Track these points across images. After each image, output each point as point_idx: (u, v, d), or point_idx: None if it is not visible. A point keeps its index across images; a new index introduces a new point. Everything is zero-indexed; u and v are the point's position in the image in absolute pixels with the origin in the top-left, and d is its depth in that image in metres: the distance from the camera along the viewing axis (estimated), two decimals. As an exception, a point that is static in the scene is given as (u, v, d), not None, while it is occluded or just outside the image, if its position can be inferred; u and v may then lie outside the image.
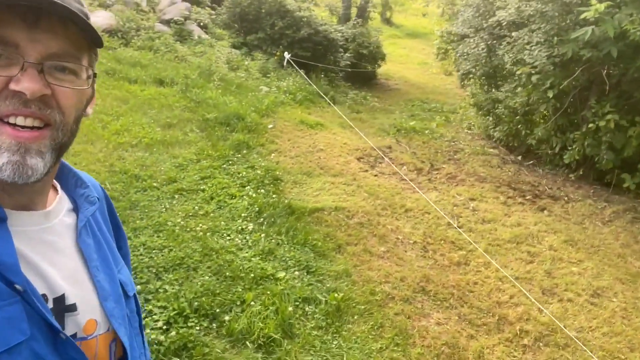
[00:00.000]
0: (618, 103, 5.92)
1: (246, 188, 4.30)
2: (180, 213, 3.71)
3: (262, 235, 3.67)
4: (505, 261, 4.27)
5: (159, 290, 2.84)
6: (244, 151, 5.00)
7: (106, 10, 8.20)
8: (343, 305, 3.18)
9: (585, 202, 5.78)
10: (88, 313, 0.72)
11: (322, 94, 6.99)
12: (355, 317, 3.14)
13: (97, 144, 4.18)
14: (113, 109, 5.19)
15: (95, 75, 0.72)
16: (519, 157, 7.09)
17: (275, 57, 8.78)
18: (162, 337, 2.47)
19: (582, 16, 5.25)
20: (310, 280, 3.34)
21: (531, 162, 6.93)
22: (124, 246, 0.95)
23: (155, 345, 2.42)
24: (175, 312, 2.67)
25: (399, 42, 18.74)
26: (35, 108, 0.62)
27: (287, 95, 7.43)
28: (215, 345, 2.58)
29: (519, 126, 7.11)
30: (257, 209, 3.99)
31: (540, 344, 3.28)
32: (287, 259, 3.49)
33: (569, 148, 6.31)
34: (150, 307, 2.69)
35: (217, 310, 2.83)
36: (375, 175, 5.48)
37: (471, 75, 8.69)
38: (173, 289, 2.87)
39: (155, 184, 4.00)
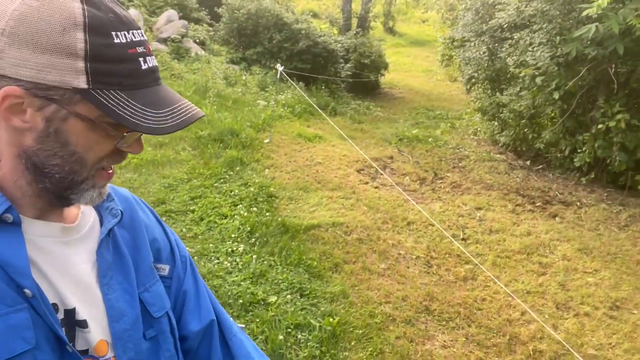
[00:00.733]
0: (628, 102, 5.66)
1: (238, 207, 4.11)
2: (167, 236, 3.53)
3: (253, 256, 3.47)
4: (515, 274, 4.01)
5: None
6: (238, 168, 4.83)
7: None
8: (339, 330, 2.95)
9: (599, 206, 5.50)
10: (99, 333, 0.71)
11: (315, 107, 6.82)
12: (353, 343, 2.92)
13: (84, 167, 4.04)
14: (103, 130, 5.07)
15: None
16: (528, 162, 6.82)
17: (274, 71, 8.66)
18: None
19: (585, 13, 5.03)
20: (303, 304, 3.13)
21: (540, 166, 6.67)
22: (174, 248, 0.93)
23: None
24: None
25: (403, 51, 18.62)
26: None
27: (286, 108, 7.28)
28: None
29: (526, 130, 6.86)
30: (248, 228, 3.80)
31: (556, 366, 3.02)
32: (280, 281, 3.29)
33: (579, 151, 6.04)
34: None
35: (201, 341, 2.63)
36: (376, 188, 5.27)
37: (474, 80, 8.47)
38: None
39: (143, 207, 3.84)
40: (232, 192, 4.35)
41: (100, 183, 0.71)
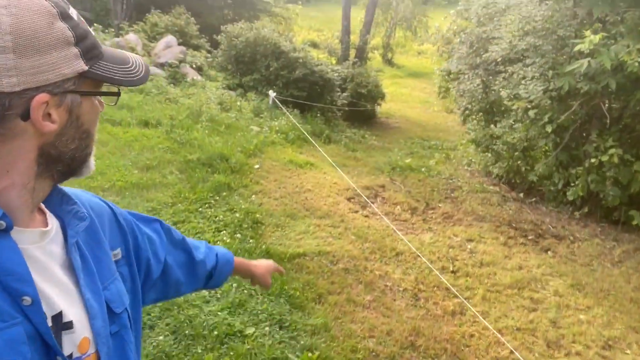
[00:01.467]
0: (621, 137, 5.65)
1: (221, 233, 4.01)
2: (145, 262, 3.41)
3: (233, 285, 3.35)
4: (505, 310, 3.89)
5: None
6: (224, 193, 4.74)
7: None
8: (318, 366, 2.82)
9: (592, 241, 5.40)
10: (82, 332, 0.73)
11: (306, 134, 6.79)
12: (332, 380, 2.78)
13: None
14: (91, 152, 5.00)
15: None
16: (521, 195, 6.76)
17: (269, 97, 8.70)
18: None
19: (577, 48, 5.08)
20: (282, 336, 3.00)
21: (533, 199, 6.60)
22: (156, 234, 1.06)
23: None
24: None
25: (401, 82, 18.82)
26: None
27: (279, 134, 7.26)
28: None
29: (519, 162, 6.83)
30: (230, 255, 3.69)
31: (545, 410, 2.87)
32: (259, 312, 3.16)
33: (572, 184, 6.00)
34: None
35: (170, 375, 2.49)
36: (366, 217, 5.18)
37: (468, 112, 8.51)
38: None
39: (123, 230, 3.73)
40: (217, 218, 4.25)
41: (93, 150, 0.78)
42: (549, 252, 5.07)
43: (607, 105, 5.70)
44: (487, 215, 5.71)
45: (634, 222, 5.50)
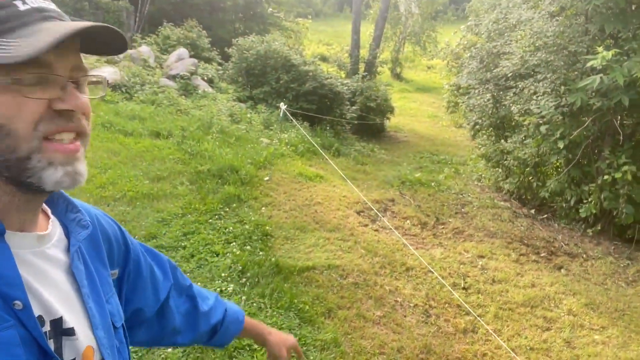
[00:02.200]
0: (634, 154, 5.58)
1: (231, 244, 3.99)
2: (155, 273, 3.40)
3: (243, 297, 3.32)
4: (518, 328, 3.81)
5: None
6: (234, 205, 4.73)
7: (113, 65, 8.32)
8: (328, 383, 2.77)
9: (605, 259, 5.32)
10: (86, 340, 0.71)
11: (316, 146, 6.79)
12: (342, 397, 2.72)
13: (77, 198, 3.97)
14: (102, 162, 5.03)
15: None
16: (532, 211, 6.69)
17: (279, 110, 8.74)
18: None
19: (589, 64, 5.05)
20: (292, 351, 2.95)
21: (545, 215, 6.52)
22: (137, 266, 0.96)
23: None
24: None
25: (410, 96, 18.87)
26: (76, 122, 0.67)
27: (289, 147, 7.27)
28: None
29: (530, 178, 6.77)
30: (240, 267, 3.66)
31: None
32: (268, 325, 3.11)
33: (585, 201, 5.92)
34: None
35: (179, 388, 2.45)
36: (376, 231, 5.14)
37: (478, 127, 8.47)
38: (130, 362, 2.51)
39: (133, 241, 3.73)
40: (227, 229, 4.23)
41: (57, 159, 0.65)
42: (562, 270, 4.98)
43: (619, 121, 5.65)
44: (499, 232, 5.65)
45: (648, 241, 5.41)
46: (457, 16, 26.79)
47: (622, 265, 5.24)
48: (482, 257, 4.98)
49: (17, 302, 0.62)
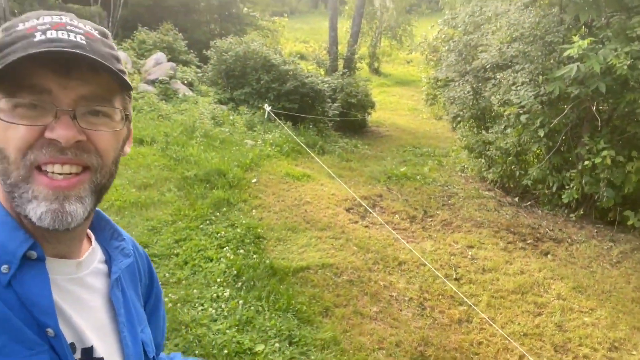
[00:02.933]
0: (612, 138, 5.74)
1: (224, 249, 3.98)
2: (149, 282, 3.37)
3: (240, 302, 3.32)
4: (511, 315, 3.90)
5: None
6: (224, 209, 4.72)
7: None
8: (330, 381, 2.79)
9: (589, 243, 5.46)
10: None
11: (304, 146, 6.80)
12: (345, 395, 2.75)
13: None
14: (87, 172, 4.95)
15: (129, 115, 0.73)
16: (516, 199, 6.82)
17: (261, 111, 8.71)
18: None
19: (566, 53, 5.17)
20: (292, 352, 2.97)
21: (529, 203, 6.66)
22: (157, 303, 0.94)
23: None
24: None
25: (389, 90, 18.98)
26: (72, 155, 0.63)
27: (274, 147, 7.26)
28: None
29: (513, 167, 6.90)
30: (235, 272, 3.66)
31: (559, 415, 2.87)
32: (267, 328, 3.13)
33: (567, 187, 6.07)
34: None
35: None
36: (366, 227, 5.18)
37: (459, 119, 8.59)
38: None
39: (125, 251, 3.69)
40: (219, 234, 4.22)
41: (41, 192, 0.62)
42: (548, 256, 5.10)
43: (595, 108, 5.80)
44: (485, 221, 5.75)
45: (629, 222, 5.58)
46: (431, 9, 26.99)
47: (605, 247, 5.39)
48: (471, 247, 5.06)
49: (50, 329, 0.63)
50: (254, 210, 4.89)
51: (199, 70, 11.08)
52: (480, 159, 7.60)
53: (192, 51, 12.53)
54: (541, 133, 6.04)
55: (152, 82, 9.05)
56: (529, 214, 6.30)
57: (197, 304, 3.23)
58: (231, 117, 8.28)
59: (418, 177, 7.29)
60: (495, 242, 5.22)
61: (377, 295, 3.87)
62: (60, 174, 0.63)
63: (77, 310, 0.69)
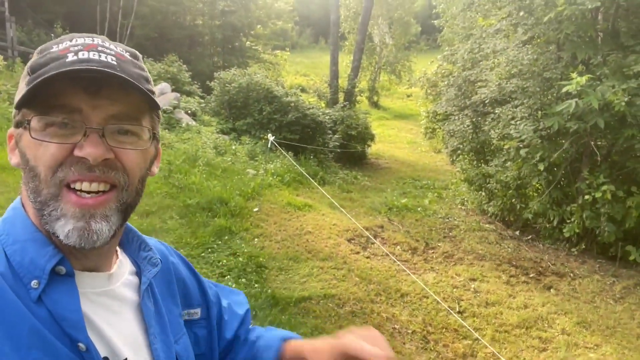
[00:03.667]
0: (612, 173, 5.79)
1: (226, 278, 3.94)
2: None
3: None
4: (516, 350, 3.84)
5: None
6: (226, 237, 4.70)
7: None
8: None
9: (592, 277, 5.43)
10: None
11: (307, 175, 6.84)
12: None
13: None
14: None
15: (156, 135, 0.74)
16: (517, 232, 6.82)
17: (263, 141, 8.79)
18: None
19: (564, 90, 5.28)
20: (295, 384, 2.90)
21: (530, 236, 6.65)
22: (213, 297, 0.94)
23: None
24: None
25: (388, 124, 19.24)
26: (100, 172, 0.64)
27: (275, 177, 7.29)
28: None
29: (513, 200, 6.93)
30: (237, 301, 3.61)
31: None
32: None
33: (568, 221, 6.07)
34: None
35: None
36: (368, 258, 5.16)
37: (459, 152, 8.68)
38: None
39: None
40: (220, 263, 4.19)
41: (69, 211, 0.63)
42: (551, 290, 5.06)
43: (594, 143, 5.88)
44: (487, 254, 5.72)
45: (631, 258, 5.56)
46: (429, 46, 27.71)
47: (608, 282, 5.36)
48: (473, 280, 5.02)
49: (81, 344, 0.62)
50: (255, 239, 4.87)
51: (202, 100, 11.24)
52: (480, 192, 7.63)
53: (195, 82, 12.76)
54: (541, 167, 6.10)
55: (156, 111, 9.15)
56: (530, 247, 6.29)
57: (198, 334, 3.17)
58: (233, 147, 8.35)
59: (419, 209, 7.30)
60: (498, 275, 5.18)
61: (380, 328, 3.81)
62: (88, 192, 0.64)
63: (110, 323, 0.69)
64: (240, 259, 4.31)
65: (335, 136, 10.82)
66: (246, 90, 9.99)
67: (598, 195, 5.54)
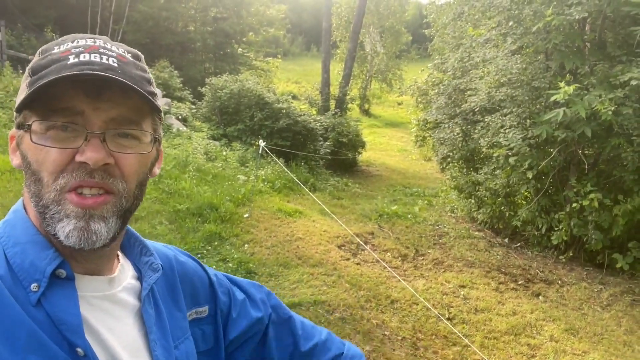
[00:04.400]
0: (599, 182, 5.87)
1: (215, 284, 3.92)
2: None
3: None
4: (504, 356, 3.85)
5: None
6: (216, 243, 4.68)
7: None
8: (323, 422, 2.69)
9: (580, 285, 5.47)
10: None
11: (298, 182, 6.85)
12: None
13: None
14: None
15: (158, 137, 0.74)
16: (506, 240, 6.87)
17: (254, 147, 8.79)
18: None
19: (553, 99, 5.35)
20: (284, 391, 2.88)
21: (519, 244, 6.70)
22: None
23: None
24: None
25: (379, 131, 19.34)
26: (99, 178, 0.64)
27: (266, 183, 7.28)
28: None
29: (502, 208, 6.98)
30: (226, 307, 3.59)
31: None
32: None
33: (556, 229, 6.13)
34: None
35: None
36: (358, 264, 5.15)
37: (449, 159, 8.74)
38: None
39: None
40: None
41: (71, 211, 0.63)
42: (540, 297, 5.10)
43: (582, 151, 5.95)
44: (477, 261, 5.75)
45: (618, 265, 5.62)
46: (420, 55, 27.96)
47: (595, 290, 5.41)
48: (463, 286, 5.04)
49: (79, 349, 0.62)
50: (245, 245, 4.85)
51: (193, 106, 11.22)
52: (470, 200, 7.68)
53: (187, 88, 12.73)
54: (529, 175, 6.16)
55: (146, 117, 9.11)
56: (519, 254, 6.33)
57: (186, 340, 3.14)
58: (224, 153, 8.33)
59: (409, 216, 7.33)
60: (487, 282, 5.21)
61: (370, 334, 3.81)
62: (88, 193, 0.64)
63: (110, 328, 0.68)
64: (230, 264, 4.29)
65: (327, 143, 10.85)
66: (237, 96, 9.99)
67: (585, 203, 5.61)
